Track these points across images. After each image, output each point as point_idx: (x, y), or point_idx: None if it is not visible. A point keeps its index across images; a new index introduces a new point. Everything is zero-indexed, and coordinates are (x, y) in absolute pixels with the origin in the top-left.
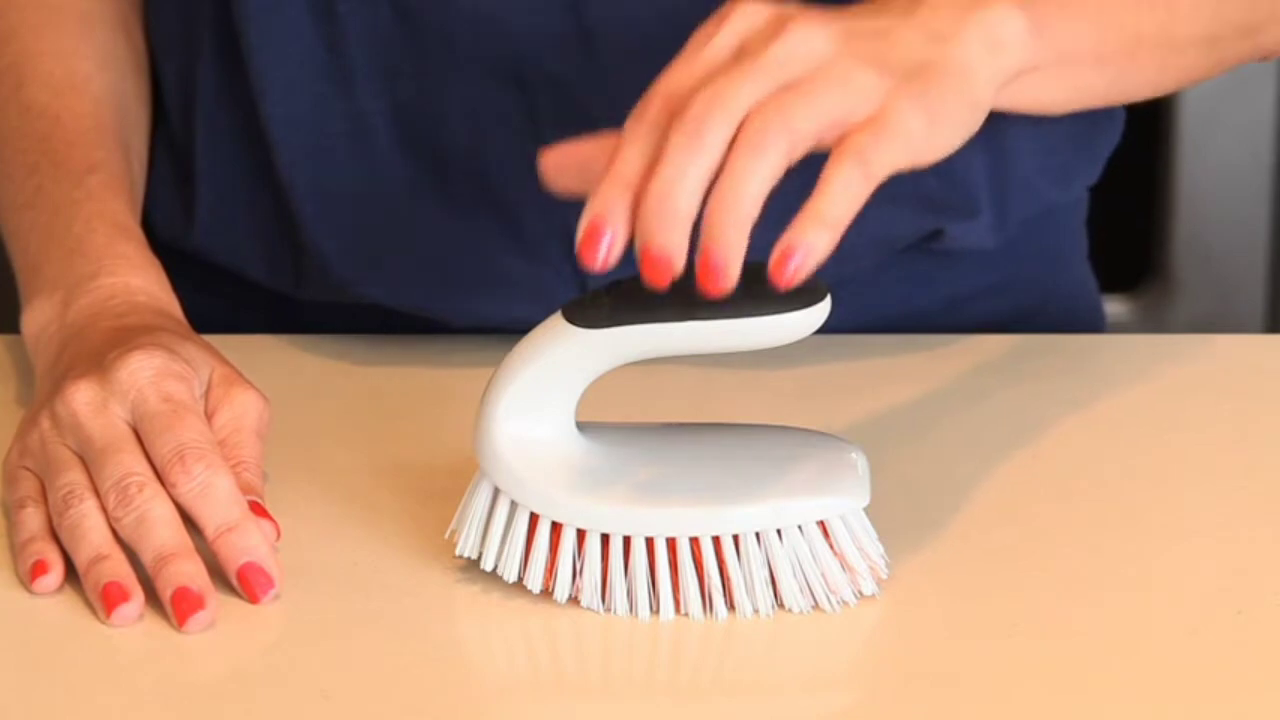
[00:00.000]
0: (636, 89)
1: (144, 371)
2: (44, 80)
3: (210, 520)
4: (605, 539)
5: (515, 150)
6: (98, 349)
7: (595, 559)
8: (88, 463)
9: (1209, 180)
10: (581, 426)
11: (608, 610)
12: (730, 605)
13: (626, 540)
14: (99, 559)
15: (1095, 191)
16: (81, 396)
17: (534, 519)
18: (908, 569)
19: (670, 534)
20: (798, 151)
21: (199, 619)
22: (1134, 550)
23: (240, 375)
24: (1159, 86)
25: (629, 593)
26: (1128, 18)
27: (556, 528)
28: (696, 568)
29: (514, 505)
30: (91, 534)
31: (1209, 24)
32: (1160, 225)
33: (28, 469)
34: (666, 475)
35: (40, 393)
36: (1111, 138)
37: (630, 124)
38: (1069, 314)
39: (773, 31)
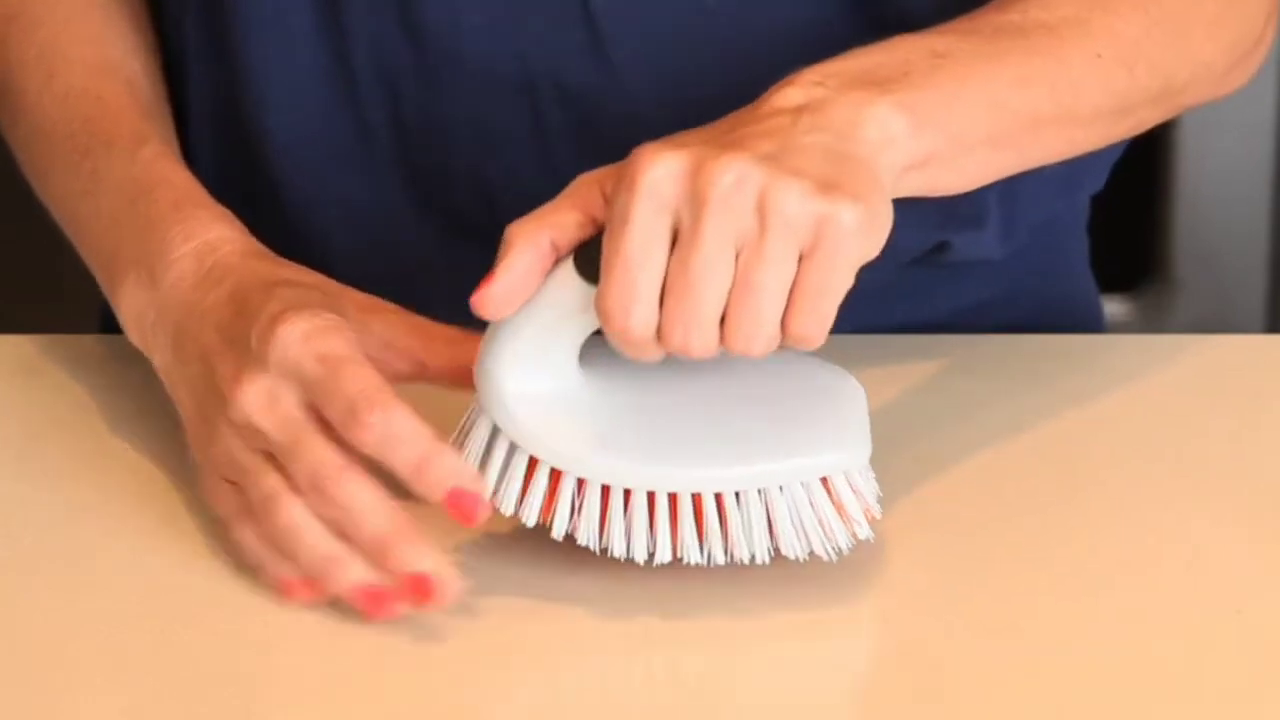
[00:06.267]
0: (651, 100)
1: (293, 343)
2: (76, 66)
3: (402, 463)
4: (605, 487)
5: (522, 165)
6: (229, 330)
7: (594, 502)
8: (281, 461)
9: (1209, 180)
10: (585, 360)
11: (603, 550)
12: (727, 552)
13: (627, 491)
14: (330, 561)
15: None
16: (249, 397)
17: (534, 459)
18: (907, 568)
19: (672, 490)
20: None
21: (443, 594)
22: (1134, 550)
23: (365, 295)
24: (1069, 153)
25: (626, 534)
26: (1022, 103)
27: (556, 470)
28: (696, 516)
29: (512, 445)
30: (306, 537)
31: (1120, 97)
32: (1160, 225)
33: (225, 478)
34: (670, 428)
35: (181, 387)
36: (1117, 146)
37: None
38: (1070, 319)
39: (699, 201)
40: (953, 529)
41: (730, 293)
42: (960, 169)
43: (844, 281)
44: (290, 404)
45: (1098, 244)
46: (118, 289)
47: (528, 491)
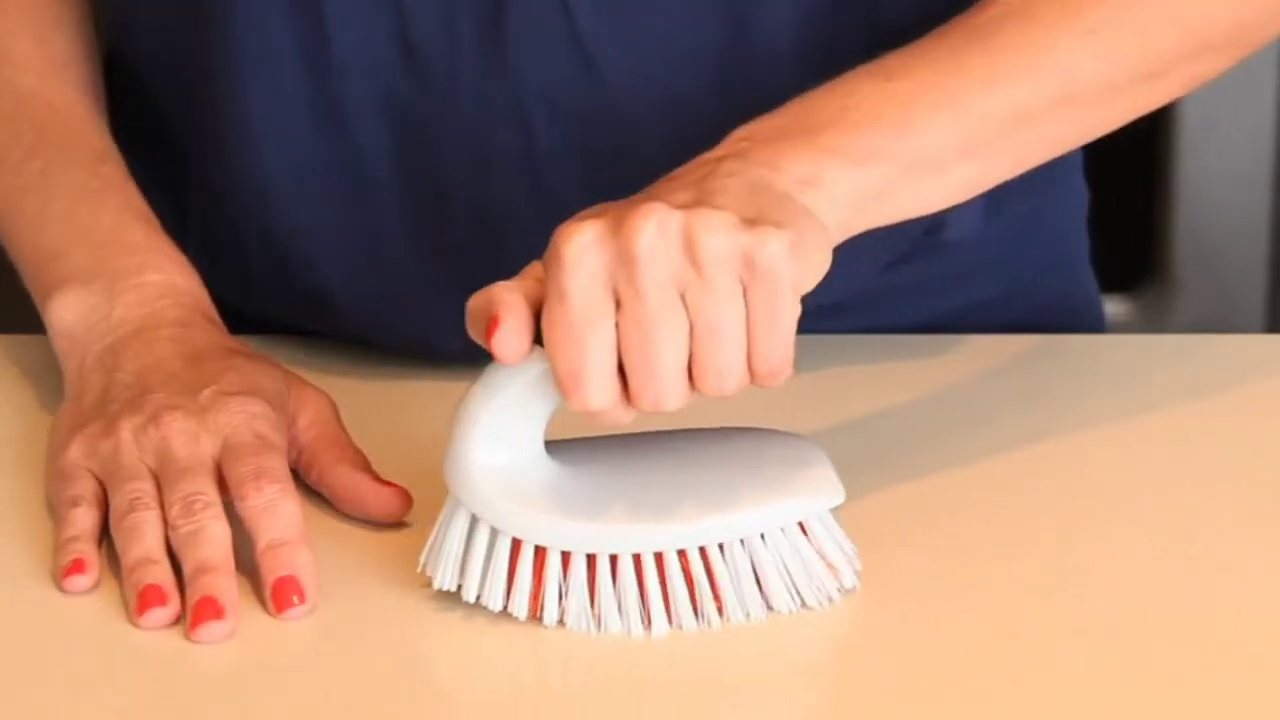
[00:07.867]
0: (641, 122)
1: (241, 416)
2: (24, 63)
3: (267, 533)
4: (591, 559)
5: (516, 187)
6: (179, 374)
7: (581, 580)
8: (162, 480)
9: (1209, 180)
10: (549, 446)
11: (600, 629)
12: (720, 612)
13: (613, 559)
14: (147, 562)
15: (1095, 191)
16: (178, 426)
17: (516, 545)
18: (909, 568)
19: (657, 549)
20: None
21: (212, 629)
22: (1133, 549)
23: (301, 378)
24: (1096, 133)
25: (619, 610)
26: (995, 104)
27: (540, 552)
28: (686, 578)
29: (494, 533)
30: (148, 538)
31: (1135, 67)
32: (1160, 225)
33: (91, 470)
34: (644, 490)
35: (94, 379)
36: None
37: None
38: (1071, 318)
39: (630, 266)
40: (952, 528)
41: (691, 340)
42: (935, 187)
43: (788, 308)
44: (205, 447)
45: (1098, 244)
46: (61, 288)
47: (514, 582)
